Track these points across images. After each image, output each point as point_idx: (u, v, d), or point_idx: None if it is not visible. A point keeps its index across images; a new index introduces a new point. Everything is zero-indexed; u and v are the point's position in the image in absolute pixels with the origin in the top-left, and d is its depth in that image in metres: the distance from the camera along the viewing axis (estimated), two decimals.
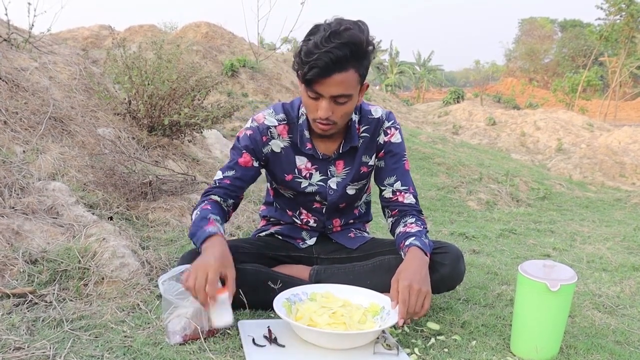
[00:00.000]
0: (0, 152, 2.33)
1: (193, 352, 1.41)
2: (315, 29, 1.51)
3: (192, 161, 3.58)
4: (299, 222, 1.91)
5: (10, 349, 1.31)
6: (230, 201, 1.73)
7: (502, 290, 2.16)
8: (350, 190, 1.83)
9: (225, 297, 1.40)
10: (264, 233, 1.97)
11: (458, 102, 20.78)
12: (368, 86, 1.67)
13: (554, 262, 1.58)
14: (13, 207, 1.99)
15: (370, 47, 1.56)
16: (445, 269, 1.72)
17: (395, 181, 1.79)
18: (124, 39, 3.77)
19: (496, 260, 2.74)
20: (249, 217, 2.84)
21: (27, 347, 1.33)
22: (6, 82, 2.84)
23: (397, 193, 1.79)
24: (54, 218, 2.03)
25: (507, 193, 4.91)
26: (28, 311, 1.52)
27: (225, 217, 1.71)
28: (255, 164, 1.74)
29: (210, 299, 1.39)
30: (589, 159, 9.36)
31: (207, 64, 8.06)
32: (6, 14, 3.50)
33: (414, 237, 1.66)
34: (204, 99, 3.55)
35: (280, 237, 1.93)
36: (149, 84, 3.30)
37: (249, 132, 1.74)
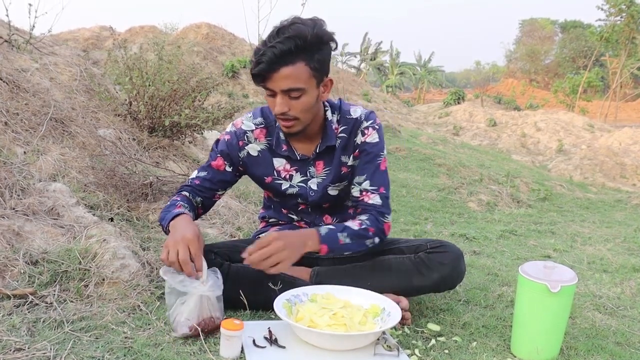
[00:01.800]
0: (1, 153, 2.33)
1: (194, 353, 1.42)
2: (272, 30, 1.55)
3: (192, 162, 3.58)
4: (297, 218, 1.92)
5: (10, 350, 1.31)
6: (198, 199, 1.79)
7: (503, 291, 2.16)
8: (332, 191, 1.81)
9: (240, 333, 1.42)
10: (263, 234, 1.97)
11: (458, 103, 20.77)
12: (332, 82, 1.67)
13: (554, 263, 1.58)
14: (14, 208, 1.99)
15: (331, 42, 1.58)
16: (446, 269, 1.72)
17: (364, 180, 1.75)
18: (125, 39, 3.77)
19: (497, 261, 2.74)
20: (250, 218, 2.84)
21: (28, 348, 1.33)
22: (7, 83, 2.84)
23: (364, 193, 1.75)
24: (54, 219, 2.03)
25: (508, 194, 4.90)
26: (29, 312, 1.52)
27: (193, 209, 1.77)
28: (229, 169, 1.79)
29: (198, 272, 1.50)
30: (590, 160, 9.36)
31: (207, 65, 8.07)
32: (7, 15, 3.50)
33: (332, 226, 1.66)
34: (204, 100, 3.55)
35: None
36: (149, 85, 3.31)
37: (227, 137, 1.78)
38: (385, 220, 1.74)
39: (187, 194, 1.78)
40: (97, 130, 3.08)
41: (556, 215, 4.62)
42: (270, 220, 1.99)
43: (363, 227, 1.68)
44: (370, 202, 1.74)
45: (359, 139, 1.76)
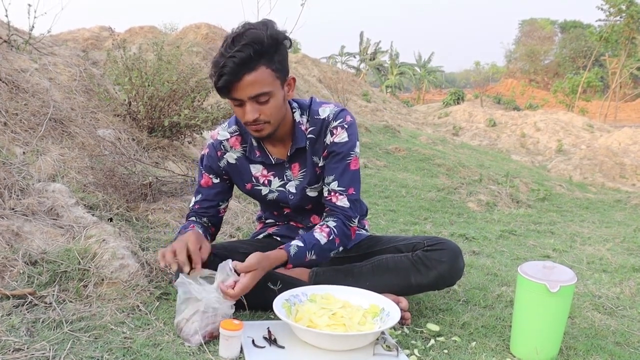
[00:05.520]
0: (1, 153, 2.33)
1: (193, 353, 1.42)
2: (225, 39, 1.54)
3: (192, 162, 3.58)
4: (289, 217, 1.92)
5: (10, 350, 1.31)
6: (205, 219, 1.83)
7: (502, 291, 2.16)
8: (311, 193, 1.80)
9: (239, 333, 1.42)
10: (261, 235, 1.97)
11: (458, 103, 20.82)
12: (294, 80, 1.66)
13: (553, 263, 1.58)
14: (13, 209, 1.99)
15: (286, 41, 1.57)
16: (444, 266, 1.73)
17: (333, 181, 1.73)
18: (124, 40, 3.77)
19: (496, 261, 2.74)
20: (249, 218, 2.84)
21: (27, 348, 1.33)
22: (6, 84, 2.84)
23: (332, 193, 1.73)
24: (53, 219, 2.03)
25: (507, 194, 4.90)
26: (28, 312, 1.52)
27: (206, 230, 1.81)
28: (216, 180, 1.81)
29: (195, 266, 1.52)
30: (589, 160, 9.37)
31: (207, 65, 8.05)
32: (6, 16, 3.50)
33: (301, 242, 1.65)
34: (204, 100, 3.56)
35: (278, 238, 1.93)
36: (149, 85, 3.31)
37: (206, 151, 1.81)
38: (352, 225, 1.74)
39: (194, 218, 1.82)
40: (96, 131, 3.08)
41: (555, 215, 4.62)
42: (267, 221, 1.99)
43: (331, 238, 1.68)
44: (338, 204, 1.73)
45: (328, 139, 1.73)
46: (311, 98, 1.79)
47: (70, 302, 1.62)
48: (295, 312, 1.58)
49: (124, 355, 1.36)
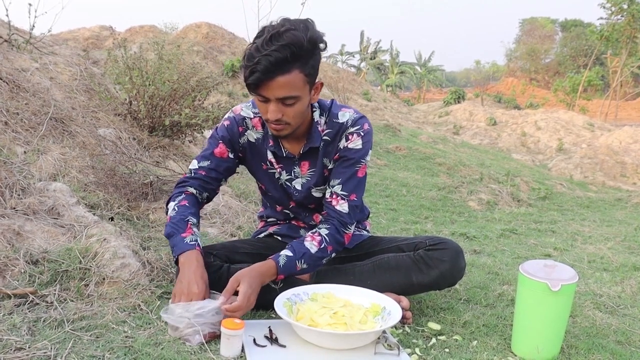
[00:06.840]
0: (1, 152, 2.33)
1: (194, 352, 1.42)
2: (261, 32, 1.50)
3: None
4: (292, 215, 1.92)
5: (11, 350, 1.31)
6: (205, 194, 1.78)
7: (503, 290, 2.16)
8: (316, 193, 1.80)
9: (240, 332, 1.42)
10: (262, 234, 1.97)
11: (459, 102, 20.79)
12: (322, 84, 1.65)
13: (554, 262, 1.58)
14: (14, 208, 1.99)
15: (322, 45, 1.55)
16: (445, 265, 1.73)
17: (338, 184, 1.72)
18: (125, 39, 3.77)
19: (497, 260, 2.74)
20: (250, 217, 2.84)
21: (28, 347, 1.33)
22: (7, 83, 2.84)
23: (333, 196, 1.72)
24: (54, 219, 2.03)
25: (508, 193, 4.90)
26: (29, 311, 1.52)
27: (199, 205, 1.77)
28: (231, 155, 1.77)
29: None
30: (590, 159, 9.37)
31: (207, 65, 8.07)
32: (7, 15, 3.50)
33: (291, 252, 1.63)
34: (204, 100, 3.56)
35: (279, 237, 1.93)
36: (149, 85, 3.31)
37: (226, 123, 1.76)
38: (347, 232, 1.72)
39: (194, 191, 1.75)
40: (97, 130, 3.08)
41: (556, 214, 4.62)
42: (269, 220, 1.99)
43: (322, 246, 1.67)
44: (337, 208, 1.71)
45: (342, 143, 1.72)
46: (332, 100, 1.78)
47: (72, 301, 1.62)
48: (297, 311, 1.58)
49: (125, 355, 1.35)
